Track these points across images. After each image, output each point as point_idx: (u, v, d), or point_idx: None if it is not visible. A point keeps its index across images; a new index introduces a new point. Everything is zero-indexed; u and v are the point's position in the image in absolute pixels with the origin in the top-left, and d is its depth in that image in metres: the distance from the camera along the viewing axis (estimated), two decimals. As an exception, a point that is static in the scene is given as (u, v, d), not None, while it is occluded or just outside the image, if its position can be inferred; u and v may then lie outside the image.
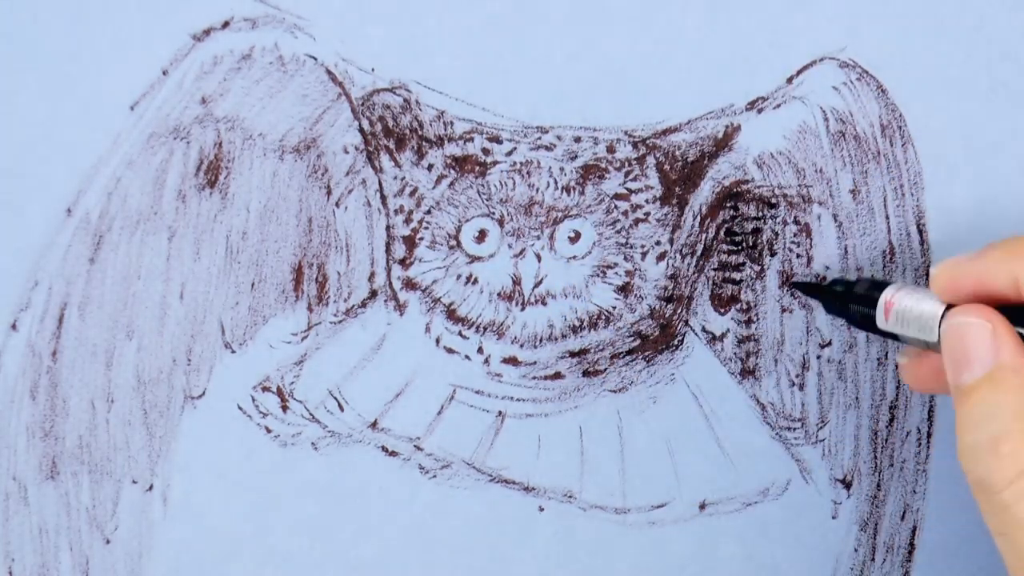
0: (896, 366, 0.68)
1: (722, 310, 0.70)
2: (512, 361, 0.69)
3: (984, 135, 0.69)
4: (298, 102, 0.69)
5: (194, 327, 0.69)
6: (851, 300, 0.64)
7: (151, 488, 0.70)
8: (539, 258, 0.69)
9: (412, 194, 0.69)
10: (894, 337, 0.63)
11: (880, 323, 0.63)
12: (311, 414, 0.70)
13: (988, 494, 0.55)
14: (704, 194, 0.69)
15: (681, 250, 0.69)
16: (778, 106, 0.69)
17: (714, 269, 0.70)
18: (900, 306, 0.62)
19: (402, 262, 0.69)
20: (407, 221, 0.69)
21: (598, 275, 0.69)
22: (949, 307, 0.60)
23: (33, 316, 0.69)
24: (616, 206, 0.69)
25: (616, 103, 0.69)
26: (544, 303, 0.69)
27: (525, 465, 0.70)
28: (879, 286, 0.63)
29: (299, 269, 0.69)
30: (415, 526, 0.70)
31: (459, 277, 0.69)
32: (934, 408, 0.70)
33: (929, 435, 0.70)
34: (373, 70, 0.69)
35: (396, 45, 0.69)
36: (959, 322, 0.58)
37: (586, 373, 0.70)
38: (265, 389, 0.70)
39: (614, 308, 0.69)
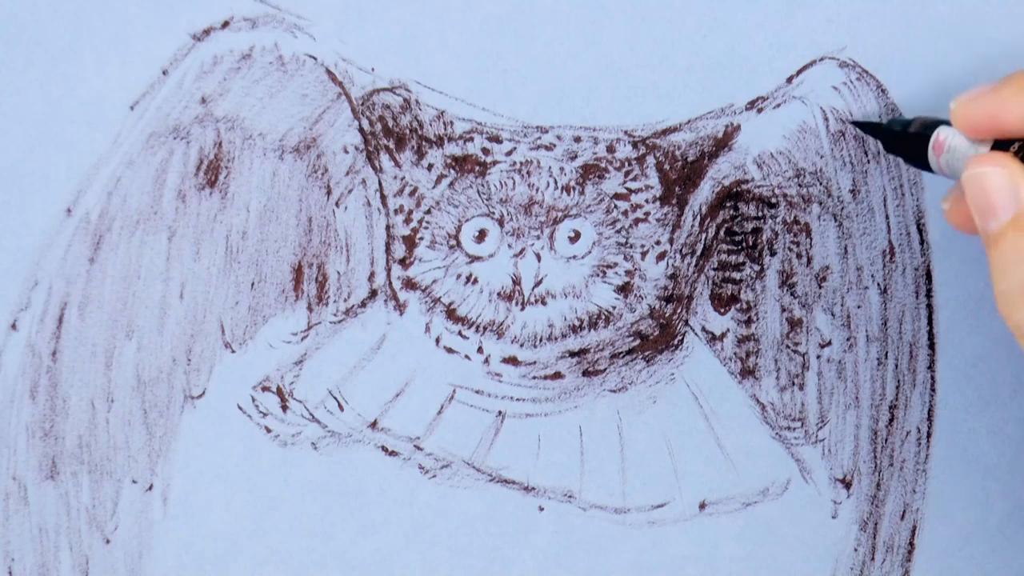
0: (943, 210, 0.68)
1: (722, 310, 0.70)
2: (512, 361, 0.69)
3: (984, 135, 0.69)
4: (298, 102, 0.69)
5: (194, 327, 0.69)
6: (907, 139, 0.65)
7: (151, 488, 0.70)
8: (539, 258, 0.69)
9: (412, 194, 0.69)
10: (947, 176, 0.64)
11: (932, 162, 0.63)
12: (311, 414, 0.70)
13: None
14: (704, 194, 0.69)
15: (681, 250, 0.69)
16: (778, 106, 0.69)
17: (714, 269, 0.70)
18: (948, 146, 0.62)
19: (402, 262, 0.69)
20: (407, 221, 0.69)
21: (598, 275, 0.69)
22: (996, 145, 0.60)
23: (33, 316, 0.69)
24: (616, 206, 0.69)
25: (616, 103, 0.69)
26: (544, 303, 0.69)
27: (525, 465, 0.70)
28: (934, 125, 0.64)
29: (299, 269, 0.69)
30: (415, 526, 0.70)
31: (459, 277, 0.69)
32: (934, 408, 0.70)
33: (929, 435, 0.70)
34: (373, 70, 0.69)
35: (396, 45, 0.69)
36: (978, 172, 0.59)
37: (586, 373, 0.70)
38: (265, 389, 0.70)
39: (614, 308, 0.69)
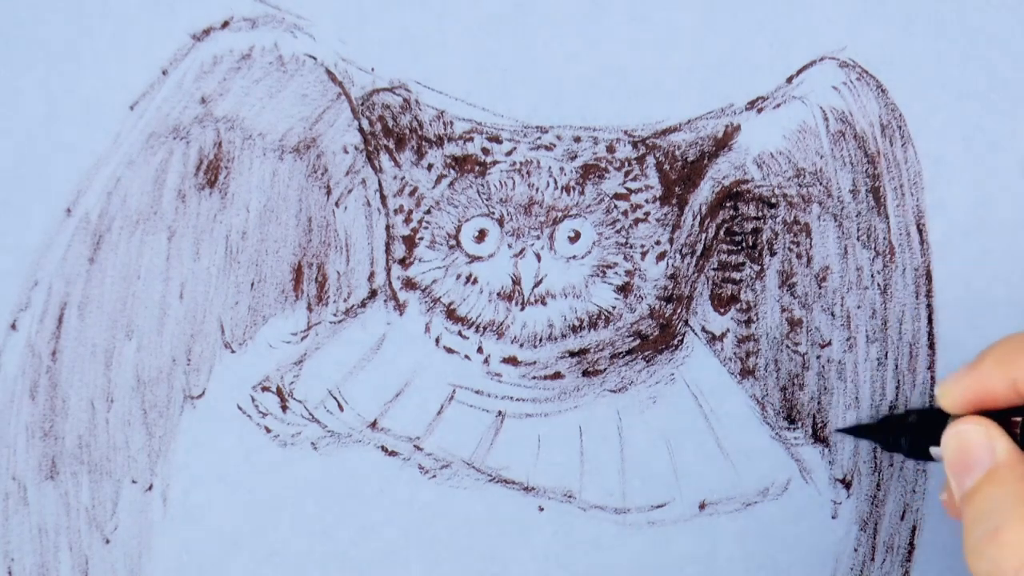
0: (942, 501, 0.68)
1: (722, 310, 0.70)
2: (512, 361, 0.69)
3: (984, 135, 0.69)
4: (298, 102, 0.69)
5: (194, 327, 0.69)
6: (906, 433, 0.65)
7: (151, 488, 0.70)
8: (539, 258, 0.69)
9: (412, 194, 0.69)
10: None
11: (936, 456, 0.63)
12: (311, 414, 0.69)
13: None
14: (704, 194, 0.69)
15: (681, 250, 0.69)
16: (778, 106, 0.69)
17: (714, 269, 0.70)
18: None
19: (402, 262, 0.69)
20: (407, 221, 0.69)
21: (598, 275, 0.69)
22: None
23: (33, 316, 0.69)
24: (616, 206, 0.69)
25: (616, 103, 0.69)
26: (544, 303, 0.69)
27: (525, 465, 0.70)
28: (930, 416, 0.64)
29: (299, 269, 0.69)
30: (415, 526, 0.70)
31: (459, 277, 0.69)
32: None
33: (929, 435, 0.70)
34: (373, 70, 0.69)
35: (396, 45, 0.69)
36: (955, 432, 0.59)
37: (586, 373, 0.70)
38: (265, 389, 0.70)
39: (614, 308, 0.69)
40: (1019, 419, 0.59)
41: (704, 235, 0.69)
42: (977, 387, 0.60)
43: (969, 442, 0.59)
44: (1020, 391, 0.59)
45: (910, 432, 0.65)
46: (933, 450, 0.63)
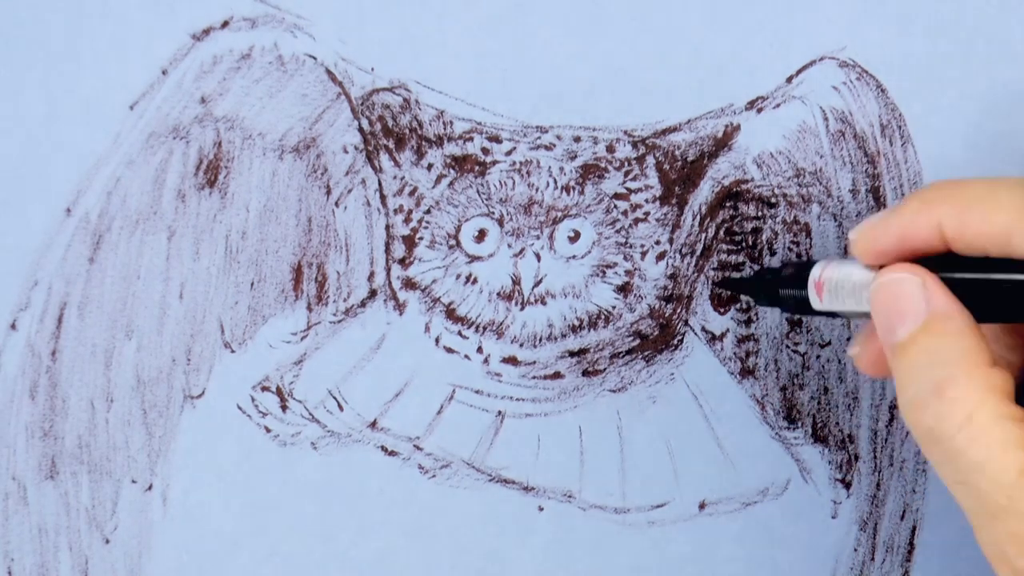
0: (852, 361, 0.66)
1: (722, 310, 0.70)
2: (512, 361, 0.69)
3: (984, 135, 0.69)
4: (298, 102, 0.69)
5: (193, 327, 0.69)
6: (782, 286, 0.63)
7: (150, 488, 0.70)
8: (539, 257, 0.69)
9: (412, 194, 0.69)
10: (833, 315, 0.62)
11: (815, 304, 0.61)
12: (310, 414, 0.69)
13: (939, 443, 0.53)
14: (704, 194, 0.69)
15: (681, 250, 0.69)
16: (778, 106, 0.69)
17: (714, 269, 0.70)
18: (831, 282, 0.60)
19: (401, 262, 0.69)
20: (406, 221, 0.69)
21: (598, 275, 0.69)
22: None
23: (32, 316, 0.69)
24: (616, 206, 0.69)
25: (616, 103, 0.69)
26: (544, 303, 0.69)
27: (525, 465, 0.70)
28: (806, 266, 0.62)
29: (299, 269, 0.69)
30: (415, 526, 0.70)
31: (458, 277, 0.69)
32: (934, 408, 0.70)
33: (929, 435, 0.70)
34: (373, 70, 0.69)
35: (396, 45, 0.69)
36: (887, 280, 0.57)
37: (585, 373, 0.70)
38: (264, 389, 0.70)
39: (614, 308, 0.69)
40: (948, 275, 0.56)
41: (704, 235, 0.69)
42: (899, 231, 0.57)
43: (902, 291, 0.56)
44: (945, 237, 0.56)
45: (789, 283, 0.63)
46: (813, 300, 0.61)
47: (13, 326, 0.69)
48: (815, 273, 0.61)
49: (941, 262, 0.57)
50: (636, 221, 0.69)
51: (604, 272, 0.69)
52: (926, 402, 0.54)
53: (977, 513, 0.53)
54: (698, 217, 0.69)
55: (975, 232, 0.56)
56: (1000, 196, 0.56)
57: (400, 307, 0.69)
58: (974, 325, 0.55)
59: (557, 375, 0.70)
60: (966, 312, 0.55)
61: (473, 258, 0.69)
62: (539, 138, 0.69)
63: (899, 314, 0.56)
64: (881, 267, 0.58)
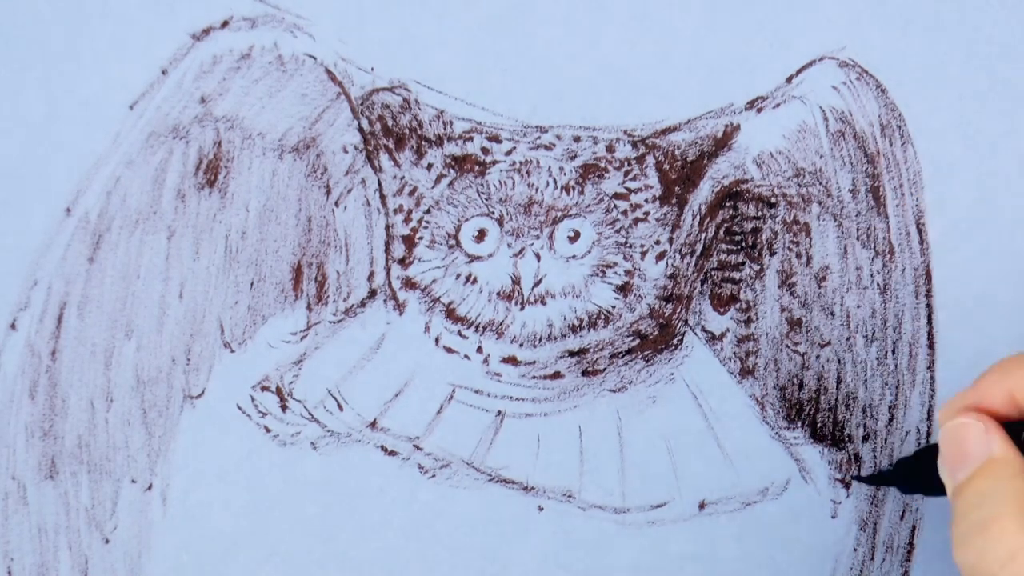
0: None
1: (721, 310, 0.70)
2: (511, 360, 0.69)
3: (984, 135, 0.69)
4: (297, 101, 0.69)
5: (193, 326, 0.69)
6: (919, 473, 0.64)
7: (150, 488, 0.70)
8: (538, 257, 0.69)
9: (411, 193, 0.69)
10: None
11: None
12: (310, 414, 0.69)
13: None
14: (704, 193, 0.69)
15: (680, 249, 0.69)
16: (778, 105, 0.69)
17: (714, 269, 0.70)
18: None
19: (401, 261, 0.69)
20: (406, 220, 0.69)
21: (597, 274, 0.69)
22: None
23: (32, 316, 0.69)
24: (615, 205, 0.69)
25: (616, 102, 0.69)
26: (543, 302, 0.69)
27: (524, 465, 0.70)
28: (932, 449, 0.63)
29: (298, 268, 0.69)
30: (415, 526, 0.70)
31: (458, 276, 0.69)
32: (933, 408, 0.70)
33: (929, 435, 0.70)
34: (372, 69, 0.69)
35: (396, 45, 0.69)
36: (953, 424, 0.59)
37: (585, 373, 0.70)
38: (264, 388, 0.70)
39: (613, 308, 0.69)
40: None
41: (704, 235, 0.69)
42: (975, 399, 0.60)
43: (966, 435, 0.59)
44: (1018, 404, 0.59)
45: (922, 470, 0.64)
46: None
47: (13, 326, 0.69)
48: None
49: (1015, 428, 0.59)
50: (636, 221, 0.69)
51: (604, 272, 0.69)
52: (972, 539, 0.56)
53: None
54: (698, 217, 0.69)
55: None
56: None
57: (400, 307, 0.69)
58: None
59: (557, 375, 0.70)
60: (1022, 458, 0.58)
61: (473, 258, 0.69)
62: (539, 138, 0.69)
63: (961, 457, 0.59)
64: None
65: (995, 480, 0.57)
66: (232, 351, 0.69)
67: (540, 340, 0.69)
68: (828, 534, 0.70)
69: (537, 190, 0.69)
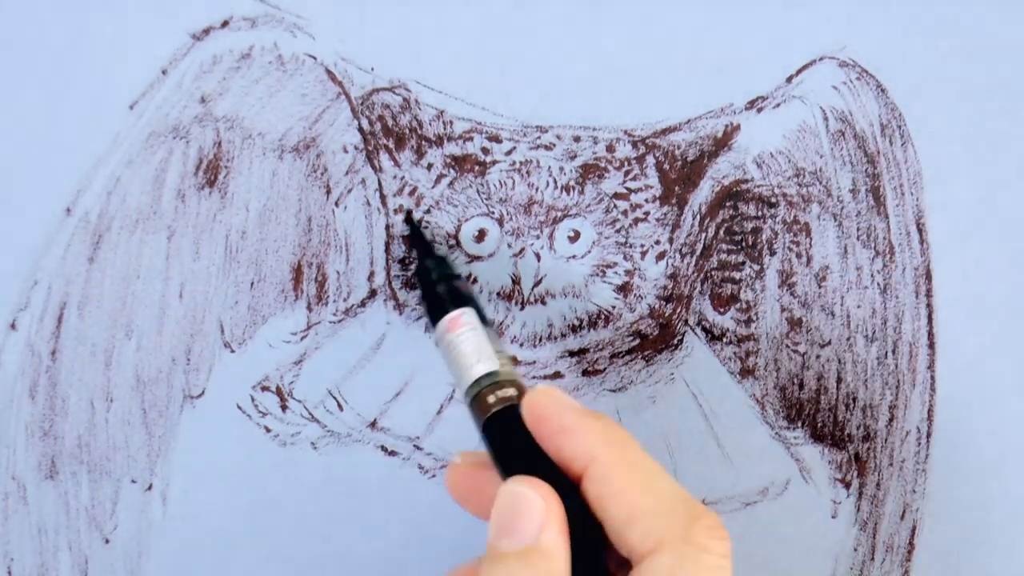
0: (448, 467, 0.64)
1: (722, 309, 0.70)
2: (512, 361, 0.69)
3: (984, 135, 0.69)
4: (297, 101, 0.69)
5: (193, 326, 0.69)
6: (433, 286, 0.64)
7: (150, 488, 0.70)
8: (538, 257, 0.69)
9: (411, 193, 0.69)
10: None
11: (439, 333, 0.63)
12: (310, 414, 0.69)
13: None
14: (704, 193, 0.69)
15: (681, 249, 0.69)
16: (778, 105, 0.69)
17: (714, 268, 0.70)
18: (456, 335, 0.62)
19: (401, 261, 0.69)
20: (407, 220, 0.69)
21: (597, 274, 0.69)
22: (489, 376, 0.60)
23: (32, 315, 0.69)
24: (615, 205, 0.69)
25: (616, 102, 0.69)
26: (543, 302, 0.69)
27: (524, 465, 0.70)
28: (460, 296, 0.63)
29: (298, 268, 0.69)
30: (415, 526, 0.70)
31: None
32: (934, 408, 0.70)
33: (929, 435, 0.70)
34: (372, 69, 0.69)
35: (396, 45, 0.69)
36: (515, 491, 0.56)
37: (585, 372, 0.70)
38: (264, 389, 0.70)
39: (613, 307, 0.69)
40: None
41: (704, 235, 0.69)
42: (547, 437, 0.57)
43: (524, 508, 0.56)
44: (588, 470, 0.56)
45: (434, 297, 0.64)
46: (440, 330, 0.63)
47: (13, 326, 0.69)
48: (461, 314, 0.62)
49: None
50: (636, 221, 0.69)
51: (604, 272, 0.69)
52: None
53: None
54: (698, 217, 0.69)
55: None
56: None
57: (400, 307, 0.69)
58: (568, 571, 0.55)
59: (557, 375, 0.70)
60: (566, 557, 0.55)
61: (473, 258, 0.69)
62: (539, 138, 0.69)
63: (512, 526, 0.56)
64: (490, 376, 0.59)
65: (528, 571, 0.55)
66: (232, 351, 0.69)
67: (540, 340, 0.69)
68: (828, 534, 0.70)
69: (537, 190, 0.69)
